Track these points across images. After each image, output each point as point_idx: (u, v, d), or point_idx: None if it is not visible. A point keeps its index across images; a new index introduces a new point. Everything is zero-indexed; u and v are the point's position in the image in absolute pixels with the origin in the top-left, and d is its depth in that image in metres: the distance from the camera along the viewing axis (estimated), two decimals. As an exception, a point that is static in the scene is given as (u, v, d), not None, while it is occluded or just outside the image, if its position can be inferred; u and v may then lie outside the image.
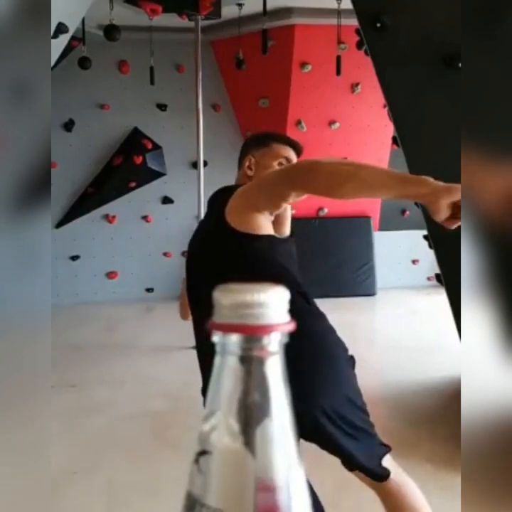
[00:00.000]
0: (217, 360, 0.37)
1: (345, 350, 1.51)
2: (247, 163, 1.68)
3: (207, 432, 0.36)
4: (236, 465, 0.35)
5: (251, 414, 0.36)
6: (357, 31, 3.38)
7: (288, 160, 1.65)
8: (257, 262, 1.45)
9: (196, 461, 0.36)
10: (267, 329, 0.35)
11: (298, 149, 1.69)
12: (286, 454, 0.36)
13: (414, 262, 6.99)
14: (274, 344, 0.36)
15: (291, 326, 0.36)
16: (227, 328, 0.35)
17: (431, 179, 1.18)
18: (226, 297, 0.35)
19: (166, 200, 6.60)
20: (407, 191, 1.22)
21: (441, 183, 1.17)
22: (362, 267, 6.61)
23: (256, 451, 0.35)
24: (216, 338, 0.36)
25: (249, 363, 0.36)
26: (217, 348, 0.37)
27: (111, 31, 4.60)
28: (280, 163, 1.64)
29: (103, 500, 2.44)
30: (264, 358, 0.36)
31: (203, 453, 0.36)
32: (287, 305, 0.36)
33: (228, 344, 0.36)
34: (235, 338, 0.36)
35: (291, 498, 0.36)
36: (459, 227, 1.09)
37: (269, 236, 1.46)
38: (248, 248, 1.44)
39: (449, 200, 1.13)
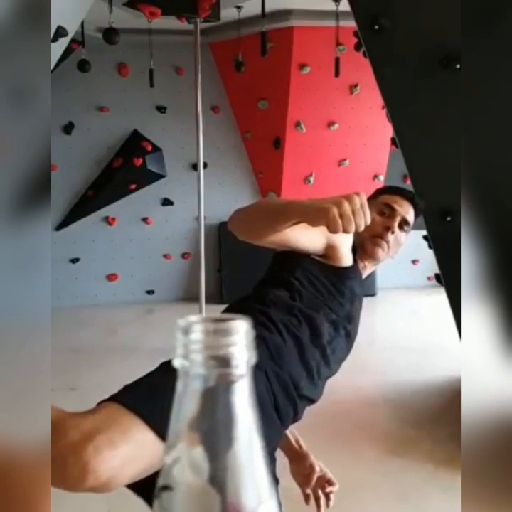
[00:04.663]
0: (179, 385, 0.34)
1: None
2: None
3: (169, 465, 0.33)
4: (199, 503, 0.32)
5: (216, 445, 0.33)
6: (355, 33, 3.39)
7: (388, 206, 1.56)
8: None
9: (158, 496, 0.33)
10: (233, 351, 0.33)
11: (407, 195, 1.60)
12: (255, 486, 0.33)
13: (414, 262, 6.99)
14: (241, 367, 0.33)
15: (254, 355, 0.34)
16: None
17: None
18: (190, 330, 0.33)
19: (166, 202, 6.60)
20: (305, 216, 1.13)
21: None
22: (362, 268, 6.60)
23: (222, 485, 0.32)
24: (177, 361, 0.33)
25: (215, 389, 0.33)
26: (179, 374, 0.33)
27: (110, 34, 4.60)
28: (380, 212, 1.56)
29: (104, 505, 2.43)
30: (230, 382, 0.33)
31: (165, 488, 0.33)
32: (251, 332, 0.34)
33: (191, 368, 0.33)
34: (198, 362, 0.32)
35: None
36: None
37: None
38: None
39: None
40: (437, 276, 3.28)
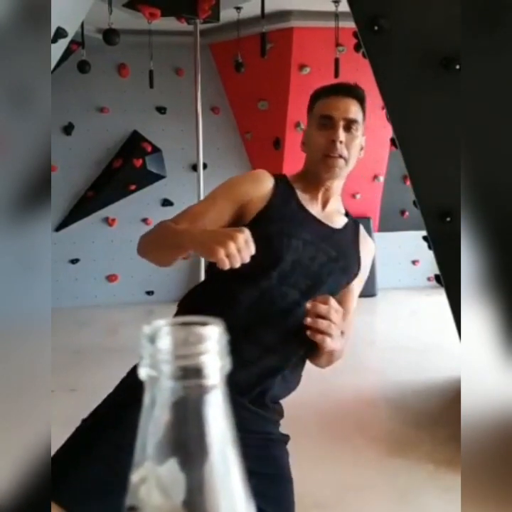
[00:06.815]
0: (146, 399, 0.31)
1: None
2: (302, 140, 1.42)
3: (135, 485, 0.31)
4: None
5: (188, 461, 0.30)
6: (355, 34, 3.39)
7: (329, 117, 1.33)
8: None
9: None
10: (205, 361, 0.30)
11: (340, 90, 1.35)
12: (232, 502, 0.31)
13: (414, 262, 6.99)
14: (214, 376, 0.30)
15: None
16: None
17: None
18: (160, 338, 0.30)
19: (166, 203, 6.61)
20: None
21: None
22: (362, 268, 6.60)
23: (195, 503, 0.30)
24: (143, 372, 0.30)
25: (185, 401, 0.30)
26: (146, 385, 0.31)
27: (110, 35, 4.60)
28: (320, 126, 1.34)
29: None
30: (202, 393, 0.30)
31: (131, 509, 0.31)
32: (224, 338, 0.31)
33: (160, 379, 0.30)
34: (167, 372, 0.30)
35: None
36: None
37: None
38: None
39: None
40: (437, 277, 3.28)
